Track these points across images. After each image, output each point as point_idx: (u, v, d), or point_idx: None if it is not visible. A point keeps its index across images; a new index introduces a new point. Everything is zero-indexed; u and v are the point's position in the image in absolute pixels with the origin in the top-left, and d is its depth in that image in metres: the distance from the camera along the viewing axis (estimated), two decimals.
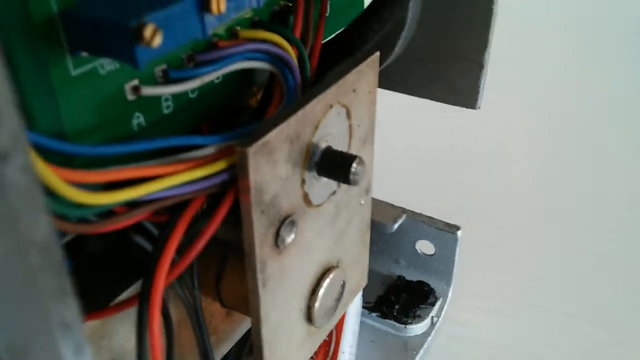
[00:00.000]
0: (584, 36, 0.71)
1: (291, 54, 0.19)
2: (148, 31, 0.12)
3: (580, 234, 0.42)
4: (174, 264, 0.17)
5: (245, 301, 0.23)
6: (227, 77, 0.19)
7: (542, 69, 0.64)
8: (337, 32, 0.24)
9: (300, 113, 0.17)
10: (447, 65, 0.28)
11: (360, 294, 0.31)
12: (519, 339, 0.35)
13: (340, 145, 0.19)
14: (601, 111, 0.57)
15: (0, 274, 0.09)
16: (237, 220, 0.19)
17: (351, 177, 0.18)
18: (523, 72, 0.63)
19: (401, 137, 0.51)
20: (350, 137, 0.20)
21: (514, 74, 0.60)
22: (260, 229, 0.17)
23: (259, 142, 0.15)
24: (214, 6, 0.14)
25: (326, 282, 0.21)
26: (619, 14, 0.76)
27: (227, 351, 0.25)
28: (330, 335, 0.28)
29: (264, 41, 0.19)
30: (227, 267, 0.22)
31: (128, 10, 0.13)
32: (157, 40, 0.13)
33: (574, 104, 0.58)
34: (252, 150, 0.15)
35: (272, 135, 0.16)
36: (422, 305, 0.34)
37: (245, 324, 0.26)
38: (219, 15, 0.14)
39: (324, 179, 0.19)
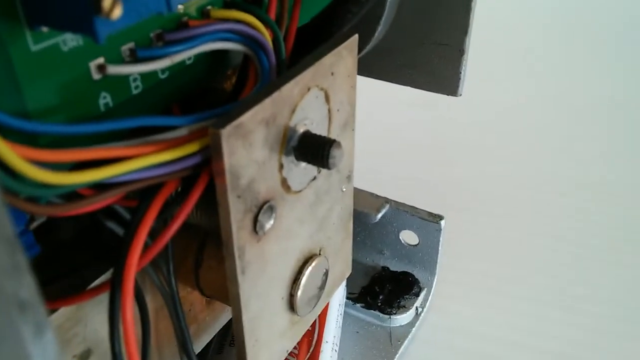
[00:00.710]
0: (575, 27, 0.71)
1: (266, 35, 0.19)
2: (106, 1, 0.12)
3: (565, 225, 0.42)
4: (146, 248, 0.16)
5: (225, 289, 0.22)
6: (199, 58, 0.19)
7: (531, 59, 0.64)
8: (313, 15, 0.24)
9: (276, 94, 0.16)
10: (427, 52, 0.27)
11: (343, 284, 0.31)
12: (502, 329, 0.34)
13: (319, 130, 0.19)
14: (590, 101, 0.57)
15: None
16: (213, 204, 0.18)
17: (330, 161, 0.18)
18: (511, 63, 0.63)
19: (384, 127, 0.50)
20: (330, 122, 0.19)
21: (502, 65, 0.60)
22: (237, 214, 0.16)
23: (233, 124, 0.15)
24: None
25: (308, 270, 0.21)
26: (612, 5, 0.76)
27: (208, 341, 0.25)
28: (313, 325, 0.28)
29: (237, 21, 0.18)
30: (205, 255, 0.22)
31: None
32: (117, 12, 0.12)
33: (563, 95, 0.58)
34: (225, 132, 0.15)
35: (247, 117, 0.15)
36: (407, 296, 0.34)
37: (227, 314, 0.25)
38: None
39: (303, 164, 0.19)
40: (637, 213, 0.43)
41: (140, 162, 0.15)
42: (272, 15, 0.20)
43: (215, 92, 0.20)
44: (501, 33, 0.64)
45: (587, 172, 0.47)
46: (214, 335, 0.26)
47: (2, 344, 0.10)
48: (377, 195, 0.33)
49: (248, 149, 0.16)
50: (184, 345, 0.20)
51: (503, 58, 0.63)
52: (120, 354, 0.16)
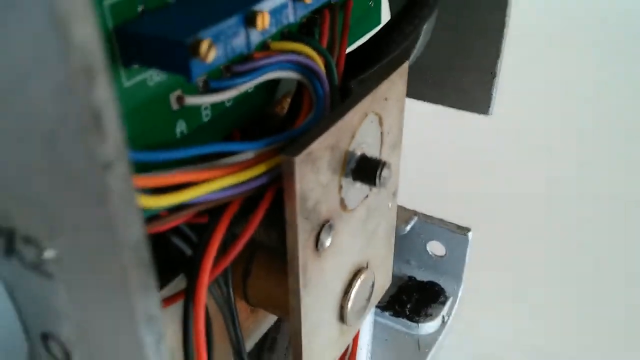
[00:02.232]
0: (591, 42, 0.72)
1: (319, 64, 0.20)
2: (204, 46, 0.13)
3: (587, 236, 0.43)
4: (216, 261, 0.17)
5: (270, 299, 0.24)
6: (257, 86, 0.20)
7: (552, 74, 0.66)
8: (355, 43, 0.25)
9: (340, 123, 0.18)
10: (460, 74, 0.29)
11: None
12: (526, 337, 0.36)
13: (372, 152, 0.20)
14: (609, 115, 0.58)
15: (96, 271, 0.10)
16: (271, 221, 0.19)
17: (378, 180, 0.19)
18: (532, 77, 0.64)
19: (410, 141, 0.51)
20: (382, 143, 0.21)
21: (523, 78, 0.61)
22: (303, 233, 0.18)
23: (305, 152, 0.16)
24: (259, 22, 0.15)
25: (358, 283, 0.22)
26: (626, 19, 0.77)
27: (251, 348, 0.26)
28: None
29: (294, 52, 0.20)
30: (254, 267, 0.23)
31: (182, 27, 0.14)
32: (212, 55, 0.14)
33: (582, 108, 0.59)
34: (298, 159, 0.16)
35: (316, 145, 0.17)
36: (433, 305, 0.35)
37: (268, 322, 0.27)
38: (262, 30, 0.15)
39: (358, 184, 0.20)
40: None
41: (217, 183, 0.16)
42: (324, 44, 0.21)
43: (271, 117, 0.22)
44: (525, 45, 0.65)
45: (612, 184, 0.48)
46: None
47: (126, 348, 0.11)
48: (405, 208, 0.35)
49: (315, 174, 0.17)
50: (239, 353, 0.21)
51: (529, 71, 0.64)
52: (192, 357, 0.17)
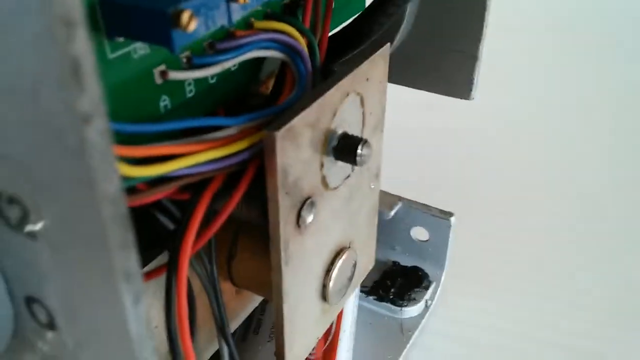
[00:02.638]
0: (580, 32, 0.73)
1: (302, 43, 0.20)
2: (185, 17, 0.14)
3: (572, 224, 0.44)
4: (198, 236, 0.18)
5: (255, 280, 0.24)
6: (241, 64, 0.20)
7: (540, 64, 0.66)
8: (340, 25, 0.26)
9: (321, 100, 0.18)
10: (442, 58, 0.29)
11: None
12: (507, 321, 0.36)
13: (354, 131, 0.20)
14: (599, 106, 0.59)
15: (77, 228, 0.10)
16: (252, 198, 0.20)
17: (358, 158, 0.20)
18: (520, 68, 0.65)
19: (395, 129, 0.52)
20: (364, 124, 0.21)
21: (511, 69, 0.62)
22: (284, 209, 0.18)
23: (286, 127, 0.16)
24: None
25: (340, 262, 0.22)
26: (616, 8, 0.78)
27: (235, 328, 0.26)
28: None
29: (277, 31, 0.20)
30: (238, 247, 0.24)
31: None
32: (192, 26, 0.14)
33: (571, 99, 0.60)
34: (279, 134, 0.16)
35: (297, 121, 0.17)
36: (417, 289, 0.35)
37: (253, 303, 0.27)
38: (243, 4, 0.16)
39: (340, 163, 0.20)
40: None
41: (198, 157, 0.17)
42: (307, 24, 0.21)
43: (255, 96, 0.22)
44: (509, 35, 0.66)
45: (600, 175, 0.49)
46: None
47: (105, 308, 0.11)
48: (390, 194, 0.35)
49: (296, 150, 0.17)
50: (222, 329, 0.21)
51: (510, 58, 0.65)
52: (175, 329, 0.18)
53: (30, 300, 0.13)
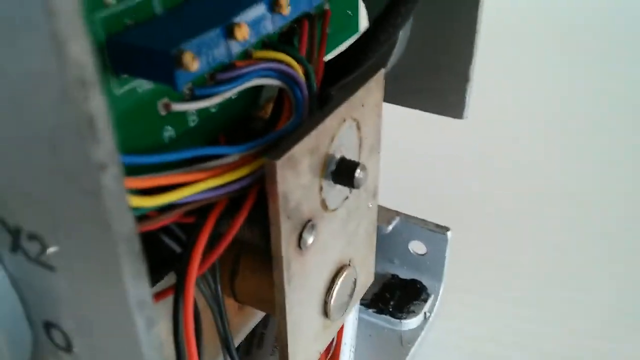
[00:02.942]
0: (571, 41, 0.74)
1: (299, 71, 0.21)
2: (188, 57, 0.15)
3: (569, 236, 0.45)
4: (204, 258, 0.19)
5: (257, 296, 0.25)
6: (241, 92, 0.21)
7: (531, 74, 0.67)
8: (335, 50, 0.27)
9: (319, 127, 0.19)
10: (435, 79, 0.30)
11: None
12: (505, 333, 0.37)
13: (351, 155, 0.21)
14: (591, 114, 0.60)
15: (93, 262, 0.11)
16: (255, 221, 0.21)
17: (355, 182, 0.21)
18: (512, 78, 0.66)
19: (391, 145, 0.53)
20: (360, 147, 0.22)
21: (503, 79, 0.63)
22: (286, 232, 0.19)
23: (286, 155, 0.17)
24: (238, 34, 0.16)
25: (340, 280, 0.23)
26: (617, 10, 0.79)
27: (238, 343, 0.27)
28: None
29: (275, 60, 0.21)
30: (240, 265, 0.24)
31: (167, 39, 0.15)
32: (195, 66, 0.15)
33: (563, 108, 0.61)
34: (280, 162, 0.17)
35: (297, 149, 0.18)
36: (415, 302, 0.36)
37: (255, 319, 0.28)
38: (242, 41, 0.17)
39: (338, 186, 0.21)
40: None
41: (203, 185, 0.17)
42: (303, 52, 0.22)
43: (255, 120, 0.23)
44: (502, 47, 0.67)
45: (595, 183, 0.50)
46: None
47: (120, 332, 0.12)
48: (388, 209, 0.36)
49: (296, 176, 0.18)
50: (227, 346, 0.22)
51: (508, 72, 0.66)
52: (183, 348, 0.18)
53: (48, 325, 0.14)
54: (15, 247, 0.13)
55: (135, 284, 0.11)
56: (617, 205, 0.48)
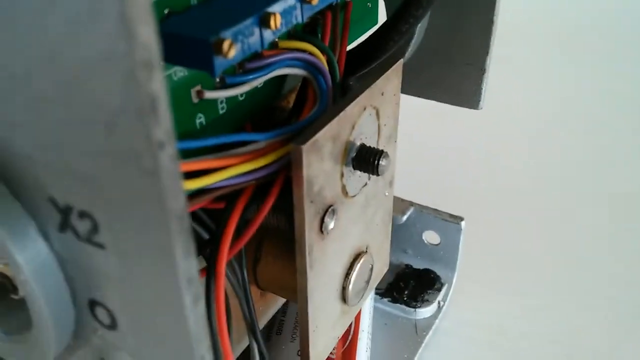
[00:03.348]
0: (581, 38, 0.74)
1: (323, 61, 0.22)
2: (226, 45, 0.15)
3: (577, 228, 0.45)
4: (233, 242, 0.19)
5: (279, 282, 0.25)
6: (266, 82, 0.22)
7: (542, 70, 0.68)
8: (355, 40, 0.27)
9: (341, 115, 0.19)
10: (451, 70, 0.30)
11: None
12: (517, 322, 0.37)
13: (370, 142, 0.22)
14: (600, 109, 0.60)
15: (145, 239, 0.12)
16: (277, 207, 0.21)
17: (379, 169, 0.21)
18: (523, 73, 0.66)
19: (408, 137, 0.53)
20: (379, 135, 0.22)
21: (514, 74, 0.63)
22: (309, 216, 0.19)
23: (311, 140, 0.18)
24: (272, 23, 0.17)
25: (358, 266, 0.24)
26: (617, 15, 0.79)
27: (260, 328, 0.28)
28: None
29: (300, 50, 0.21)
30: (263, 252, 0.25)
31: (206, 27, 0.16)
32: (232, 53, 0.15)
33: (573, 103, 0.61)
34: (305, 147, 0.18)
35: (320, 135, 0.18)
36: (430, 291, 0.37)
37: (276, 305, 0.28)
38: (275, 30, 0.17)
39: (358, 172, 0.22)
40: None
41: (233, 170, 0.18)
42: (326, 42, 0.23)
43: (278, 109, 0.23)
44: (516, 42, 0.67)
45: (604, 177, 0.50)
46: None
47: (167, 309, 0.13)
48: (402, 199, 0.36)
49: (320, 161, 0.19)
50: (252, 330, 0.23)
51: (520, 67, 0.66)
52: (215, 328, 0.19)
53: (93, 303, 0.14)
54: (65, 225, 0.13)
55: (186, 260, 0.12)
56: (632, 198, 0.48)
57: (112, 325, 0.14)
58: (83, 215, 0.13)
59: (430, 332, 0.35)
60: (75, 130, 0.11)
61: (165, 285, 0.12)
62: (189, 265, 0.12)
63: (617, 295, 0.40)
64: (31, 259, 0.14)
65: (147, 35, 0.09)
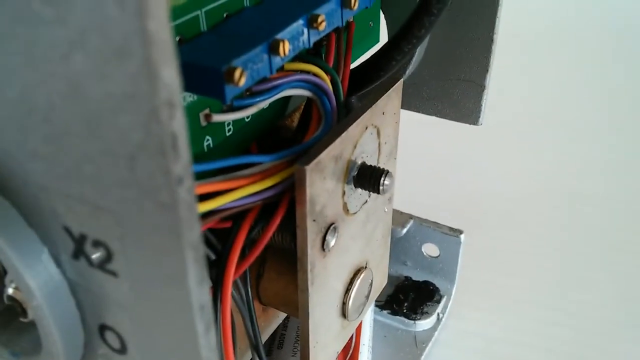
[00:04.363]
0: (577, 45, 0.75)
1: (327, 81, 0.22)
2: (237, 74, 0.15)
3: (576, 235, 0.46)
4: (240, 261, 0.19)
5: (280, 298, 0.26)
6: (272, 102, 0.22)
7: (540, 77, 0.68)
8: (356, 60, 0.27)
9: (344, 135, 0.20)
10: (452, 87, 0.31)
11: None
12: (515, 333, 0.38)
13: (371, 161, 0.22)
14: (599, 115, 0.61)
15: (159, 268, 0.12)
16: (283, 225, 0.21)
17: (381, 188, 0.21)
18: (522, 80, 0.66)
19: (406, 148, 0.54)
20: (379, 153, 0.23)
21: (514, 81, 0.64)
22: (311, 234, 0.20)
23: (315, 161, 0.18)
24: (281, 50, 0.17)
25: (358, 282, 0.24)
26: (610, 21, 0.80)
27: (262, 343, 0.28)
28: None
29: (305, 72, 0.22)
30: (265, 268, 0.25)
31: (217, 55, 0.16)
32: (243, 81, 0.16)
33: (571, 110, 0.62)
34: (309, 168, 0.18)
35: (324, 155, 0.19)
36: (429, 303, 0.37)
37: (277, 320, 0.29)
38: (283, 57, 0.17)
39: (359, 190, 0.22)
40: None
41: (242, 192, 0.18)
42: (330, 63, 0.23)
43: (283, 128, 0.24)
44: (514, 50, 0.67)
45: (604, 185, 0.51)
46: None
47: (178, 335, 0.13)
48: (402, 212, 0.37)
49: (322, 181, 0.19)
50: (255, 346, 0.23)
51: (518, 75, 0.67)
52: (220, 346, 0.19)
53: (103, 328, 0.15)
54: (78, 253, 0.14)
55: (199, 289, 0.12)
56: (630, 206, 0.49)
57: (122, 350, 0.15)
58: (97, 244, 0.13)
59: (430, 344, 0.36)
60: (95, 164, 0.12)
61: (178, 313, 0.13)
62: (202, 292, 0.12)
63: (616, 306, 0.40)
64: (44, 284, 0.14)
65: (170, 76, 0.10)
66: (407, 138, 0.54)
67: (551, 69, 0.70)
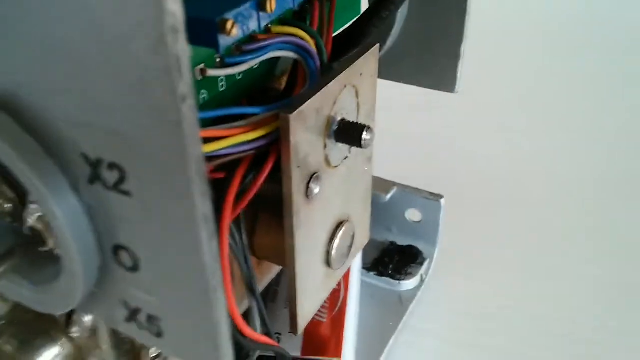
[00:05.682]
0: (567, 33, 0.77)
1: (312, 44, 0.24)
2: (229, 24, 0.17)
3: (556, 206, 0.48)
4: (235, 205, 0.21)
5: (272, 250, 0.28)
6: (261, 63, 0.24)
7: (536, 57, 0.70)
8: (339, 29, 0.29)
9: (324, 90, 0.22)
10: (429, 57, 0.33)
11: (360, 255, 0.37)
12: (494, 294, 0.40)
13: (351, 118, 0.24)
14: (596, 103, 0.63)
15: (167, 184, 0.14)
16: (271, 175, 0.23)
17: (363, 142, 0.23)
18: (515, 67, 0.69)
19: (387, 126, 0.56)
20: (358, 112, 0.25)
21: (504, 64, 0.66)
22: (296, 180, 0.22)
23: (297, 110, 0.20)
24: (268, 7, 0.19)
25: (341, 232, 0.26)
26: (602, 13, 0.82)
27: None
28: (339, 285, 0.33)
29: (291, 35, 0.24)
30: (258, 224, 0.27)
31: (210, 9, 0.18)
32: (235, 32, 0.18)
33: (567, 91, 0.64)
34: (292, 116, 0.20)
35: (305, 106, 0.21)
36: (413, 265, 0.39)
37: (271, 274, 0.31)
38: (270, 13, 0.19)
39: (340, 145, 0.24)
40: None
41: (235, 139, 0.20)
42: (315, 28, 0.25)
43: (272, 90, 0.26)
44: (500, 38, 0.70)
45: (586, 160, 0.53)
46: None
47: (185, 246, 0.15)
48: (386, 180, 0.39)
49: (305, 130, 0.21)
50: (251, 287, 0.25)
51: (505, 56, 0.69)
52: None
53: (117, 248, 0.17)
54: (94, 178, 0.15)
55: (203, 200, 0.14)
56: (604, 179, 0.51)
57: (134, 267, 0.17)
58: (112, 166, 0.15)
59: (414, 302, 0.38)
60: (110, 91, 0.13)
61: (184, 224, 0.14)
62: (205, 205, 0.14)
63: (598, 271, 0.42)
64: (67, 209, 0.16)
65: (174, 5, 0.12)
66: (395, 116, 0.57)
67: (550, 54, 0.72)
